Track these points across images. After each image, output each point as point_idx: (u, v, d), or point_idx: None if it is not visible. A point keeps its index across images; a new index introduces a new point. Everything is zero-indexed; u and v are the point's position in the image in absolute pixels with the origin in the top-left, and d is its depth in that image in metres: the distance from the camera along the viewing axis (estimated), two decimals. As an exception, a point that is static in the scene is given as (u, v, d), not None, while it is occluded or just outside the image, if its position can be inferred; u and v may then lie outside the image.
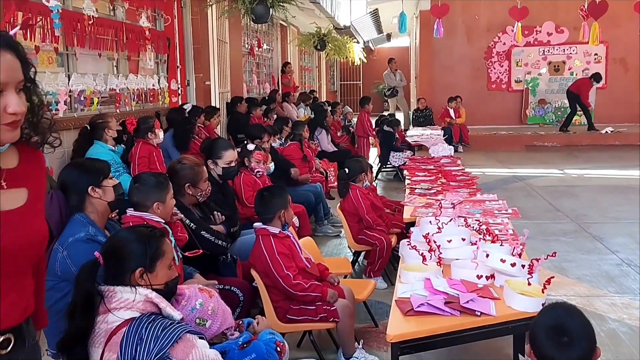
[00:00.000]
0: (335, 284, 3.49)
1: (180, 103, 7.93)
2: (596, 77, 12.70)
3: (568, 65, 14.57)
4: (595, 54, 14.33)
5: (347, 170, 4.96)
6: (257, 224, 3.44)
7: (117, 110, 6.41)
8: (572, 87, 13.09)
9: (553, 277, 2.64)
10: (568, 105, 13.33)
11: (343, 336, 3.36)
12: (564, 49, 14.53)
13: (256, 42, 12.59)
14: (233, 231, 3.83)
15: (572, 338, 1.81)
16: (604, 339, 3.62)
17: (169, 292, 2.12)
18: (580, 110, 13.27)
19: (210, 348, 1.98)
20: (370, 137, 10.52)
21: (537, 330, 1.87)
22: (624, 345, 3.60)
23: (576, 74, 14.40)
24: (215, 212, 3.79)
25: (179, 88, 8.11)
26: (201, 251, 3.23)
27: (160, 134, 5.64)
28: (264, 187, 3.71)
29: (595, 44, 10.73)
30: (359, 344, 3.41)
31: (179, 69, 8.13)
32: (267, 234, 3.34)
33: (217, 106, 8.88)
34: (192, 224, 3.44)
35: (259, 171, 5.04)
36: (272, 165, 5.94)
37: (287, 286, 3.22)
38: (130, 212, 3.01)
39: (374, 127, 10.58)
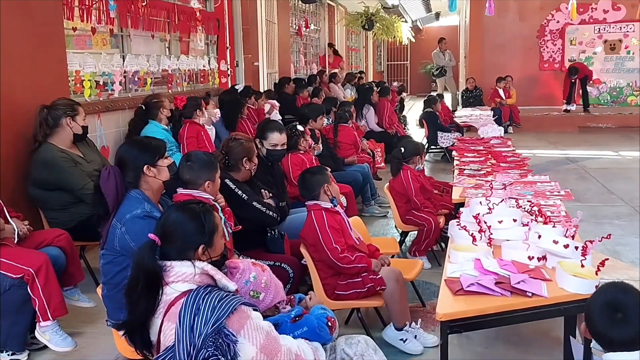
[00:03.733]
0: (386, 265, 3.49)
1: (230, 84, 8.03)
2: (571, 71, 12.63)
3: (625, 44, 14.02)
4: (654, 32, 13.77)
5: (402, 149, 4.96)
6: (308, 202, 3.49)
7: (169, 91, 6.56)
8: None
9: (607, 259, 2.59)
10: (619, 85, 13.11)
11: (392, 304, 3.34)
12: (620, 27, 13.99)
13: (304, 23, 12.59)
14: (281, 206, 3.89)
15: (626, 315, 1.80)
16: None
17: (222, 260, 2.21)
18: (636, 91, 12.85)
19: (263, 320, 2.04)
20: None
21: (592, 307, 1.88)
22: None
23: (633, 53, 13.88)
24: (262, 190, 3.86)
25: (228, 69, 8.21)
26: (240, 227, 3.31)
27: (206, 113, 5.70)
28: (304, 170, 3.77)
29: (656, 21, 10.31)
30: (416, 324, 3.41)
31: (228, 50, 8.23)
32: (318, 208, 3.41)
33: (266, 87, 8.95)
34: (244, 195, 3.52)
35: (312, 146, 5.16)
36: (321, 146, 5.97)
37: (334, 259, 3.27)
38: (181, 190, 3.09)
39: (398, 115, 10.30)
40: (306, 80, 10.57)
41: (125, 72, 5.73)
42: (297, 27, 12.25)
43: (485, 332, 3.43)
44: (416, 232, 4.87)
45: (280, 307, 2.33)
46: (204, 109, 5.64)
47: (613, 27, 14.03)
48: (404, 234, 5.07)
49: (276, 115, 8.13)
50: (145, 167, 2.87)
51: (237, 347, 1.88)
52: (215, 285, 2.05)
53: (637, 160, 9.19)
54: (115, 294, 2.80)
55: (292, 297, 2.44)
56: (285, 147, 4.40)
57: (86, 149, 4.35)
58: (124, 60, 5.70)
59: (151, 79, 6.19)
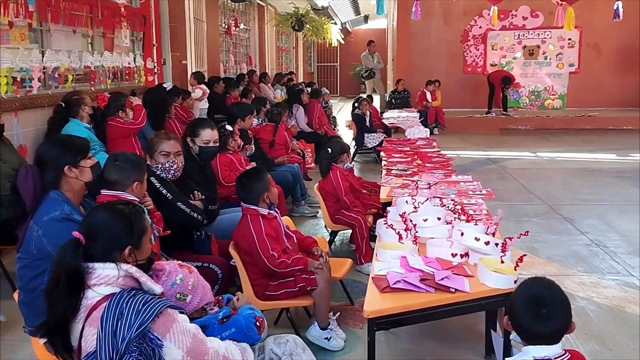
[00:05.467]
0: (319, 254, 3.51)
1: (156, 82, 7.85)
2: (505, 80, 13.21)
3: (542, 50, 14.72)
4: (569, 39, 14.50)
5: (330, 150, 5.00)
6: (245, 205, 3.44)
7: (92, 88, 6.34)
8: (491, 75, 13.65)
9: (525, 255, 2.71)
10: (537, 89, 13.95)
11: (319, 305, 3.38)
12: (538, 34, 14.67)
13: (233, 22, 12.47)
14: (211, 209, 3.83)
15: (550, 310, 1.86)
16: (573, 316, 3.72)
17: (149, 264, 2.15)
18: (553, 95, 13.53)
19: (190, 323, 2.00)
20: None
21: (516, 302, 1.92)
22: (592, 322, 3.71)
23: (550, 59, 14.60)
24: (195, 191, 3.78)
25: (155, 67, 8.02)
26: (170, 232, 3.23)
27: (131, 113, 5.53)
28: (242, 173, 3.70)
29: (571, 29, 10.86)
30: (333, 316, 3.46)
31: (155, 47, 8.04)
32: (256, 214, 3.37)
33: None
34: (168, 194, 3.43)
35: (245, 147, 5.11)
36: (253, 147, 5.93)
37: (271, 266, 3.26)
38: (105, 192, 2.95)
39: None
40: (235, 79, 10.49)
41: (44, 68, 5.49)
42: (226, 26, 12.12)
43: (411, 328, 3.51)
44: (347, 231, 4.92)
45: (207, 309, 2.29)
46: (127, 109, 5.47)
47: (532, 34, 14.69)
48: (333, 234, 5.12)
49: (205, 104, 8.04)
50: (66, 167, 2.74)
51: (162, 352, 1.83)
52: (140, 288, 2.00)
53: (553, 160, 9.67)
54: (32, 299, 2.67)
55: (220, 297, 2.41)
56: (217, 144, 4.33)
57: (2, 148, 4.16)
58: (43, 56, 5.46)
59: (72, 75, 5.96)
